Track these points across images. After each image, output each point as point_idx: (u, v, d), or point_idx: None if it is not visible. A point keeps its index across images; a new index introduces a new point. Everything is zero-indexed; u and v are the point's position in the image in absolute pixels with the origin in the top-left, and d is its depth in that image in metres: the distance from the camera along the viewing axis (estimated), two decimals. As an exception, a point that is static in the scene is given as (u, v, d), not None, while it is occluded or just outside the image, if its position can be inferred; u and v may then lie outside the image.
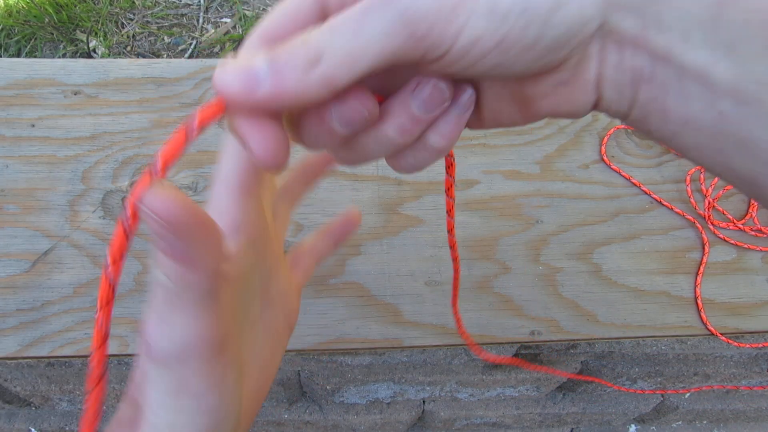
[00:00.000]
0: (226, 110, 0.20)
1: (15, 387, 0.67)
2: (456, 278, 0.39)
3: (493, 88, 0.23)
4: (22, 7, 1.43)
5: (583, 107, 0.23)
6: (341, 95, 0.20)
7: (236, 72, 0.19)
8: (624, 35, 0.21)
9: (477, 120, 0.25)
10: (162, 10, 1.50)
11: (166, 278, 0.21)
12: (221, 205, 0.26)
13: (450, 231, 0.34)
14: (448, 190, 0.30)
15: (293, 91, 0.19)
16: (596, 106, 0.24)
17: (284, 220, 0.35)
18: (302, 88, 0.19)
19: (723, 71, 0.20)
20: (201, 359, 0.22)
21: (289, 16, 0.21)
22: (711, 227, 0.60)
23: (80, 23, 1.45)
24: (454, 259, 0.37)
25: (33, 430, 0.78)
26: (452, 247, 0.35)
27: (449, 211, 0.32)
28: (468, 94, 0.23)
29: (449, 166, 0.28)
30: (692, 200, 0.61)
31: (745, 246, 0.59)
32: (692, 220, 0.60)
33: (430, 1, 0.18)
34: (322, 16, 0.21)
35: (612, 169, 0.62)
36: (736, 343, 0.59)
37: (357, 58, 0.18)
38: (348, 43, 0.18)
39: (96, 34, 1.45)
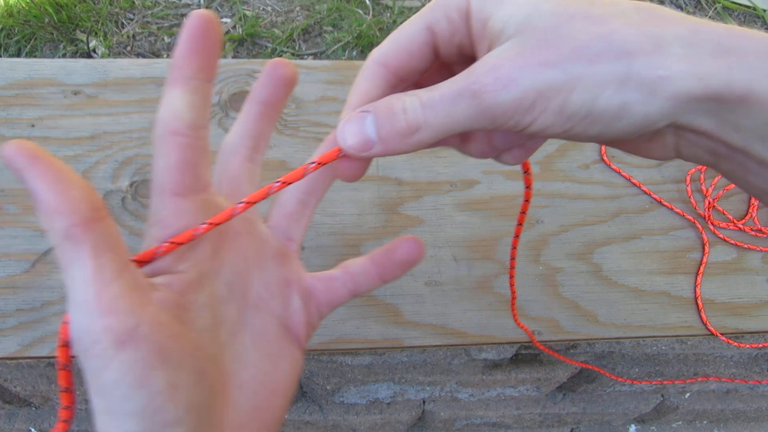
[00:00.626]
0: (340, 156, 0.27)
1: (15, 387, 0.67)
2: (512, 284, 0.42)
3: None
4: (22, 7, 1.43)
5: (665, 158, 0.27)
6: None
7: (354, 136, 0.25)
8: (698, 129, 0.23)
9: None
10: (162, 10, 1.50)
11: (52, 236, 0.22)
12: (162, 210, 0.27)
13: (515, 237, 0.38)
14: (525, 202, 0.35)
15: (393, 151, 0.25)
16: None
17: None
18: (401, 148, 0.25)
19: None
20: (104, 329, 0.22)
21: (403, 47, 0.26)
22: (711, 227, 0.60)
23: (80, 23, 1.45)
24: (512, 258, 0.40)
25: (33, 430, 0.78)
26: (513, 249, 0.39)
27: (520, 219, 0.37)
28: (539, 139, 0.27)
29: (525, 172, 0.32)
30: (692, 200, 0.61)
31: (745, 246, 0.59)
32: (692, 220, 0.60)
33: (510, 99, 0.22)
34: (432, 45, 0.26)
35: (612, 169, 0.62)
36: (736, 344, 0.59)
37: (445, 132, 0.24)
38: (440, 122, 0.23)
39: (96, 34, 1.45)
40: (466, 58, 0.26)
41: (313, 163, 0.27)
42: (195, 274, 0.27)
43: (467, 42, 0.25)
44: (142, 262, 0.26)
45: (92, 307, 0.22)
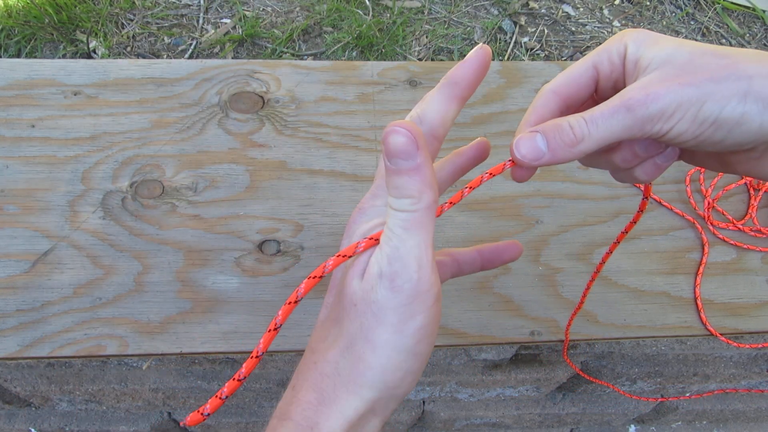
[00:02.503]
0: (507, 167, 0.33)
1: (15, 387, 0.67)
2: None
3: (700, 150, 0.33)
4: (22, 7, 1.43)
5: None
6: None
7: (526, 148, 0.31)
8: None
9: (689, 161, 0.36)
10: (162, 10, 1.50)
11: (407, 202, 0.29)
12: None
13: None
14: (639, 213, 0.40)
15: (559, 160, 0.31)
16: None
17: None
18: (566, 157, 0.31)
19: None
20: (428, 288, 0.29)
21: (572, 78, 0.33)
22: (711, 228, 0.60)
23: (80, 24, 1.45)
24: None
25: (33, 430, 0.78)
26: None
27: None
28: (670, 152, 0.33)
29: (645, 196, 0.38)
30: (692, 201, 0.61)
31: (745, 246, 0.59)
32: (692, 220, 0.60)
33: (657, 109, 0.28)
34: (595, 80, 0.33)
35: (612, 169, 0.62)
36: (735, 344, 0.59)
37: (604, 141, 0.30)
38: (600, 133, 0.29)
39: (96, 34, 1.45)
40: (616, 92, 0.32)
41: (487, 173, 0.33)
42: None
43: (621, 79, 0.32)
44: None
45: (430, 265, 0.29)
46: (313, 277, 0.31)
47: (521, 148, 0.31)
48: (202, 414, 0.30)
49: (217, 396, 0.31)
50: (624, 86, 0.32)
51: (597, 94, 0.34)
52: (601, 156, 0.34)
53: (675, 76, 0.28)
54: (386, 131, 0.28)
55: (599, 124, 0.29)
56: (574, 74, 0.33)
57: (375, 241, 0.31)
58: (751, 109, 0.27)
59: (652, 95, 0.28)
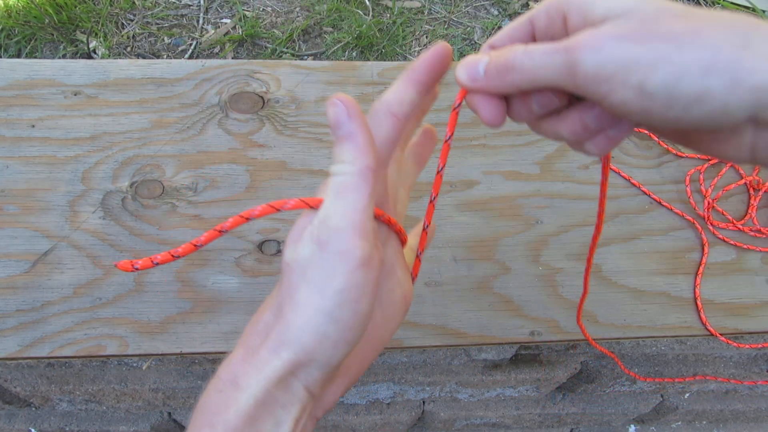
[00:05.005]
0: (464, 93, 0.31)
1: (15, 387, 0.67)
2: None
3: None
4: (22, 7, 1.43)
5: (739, 160, 0.28)
6: (541, 91, 0.29)
7: (465, 69, 0.30)
8: None
9: (650, 129, 0.32)
10: (162, 10, 1.50)
11: (340, 167, 0.29)
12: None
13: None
14: (602, 185, 0.37)
15: (495, 86, 0.29)
16: (754, 161, 0.28)
17: (406, 191, 0.38)
18: (500, 85, 0.29)
19: None
20: (360, 247, 0.28)
21: (507, 34, 0.31)
22: (711, 228, 0.60)
23: (80, 24, 1.45)
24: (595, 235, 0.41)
25: (33, 430, 0.78)
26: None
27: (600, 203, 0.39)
28: (624, 125, 0.29)
29: (604, 166, 0.35)
30: (692, 201, 0.61)
31: (745, 246, 0.59)
32: (692, 220, 0.60)
33: (594, 63, 0.25)
34: (531, 35, 0.30)
35: (612, 169, 0.62)
36: (735, 344, 0.59)
37: (537, 79, 0.27)
38: (530, 67, 0.27)
39: (96, 34, 1.45)
40: None
41: (452, 110, 0.32)
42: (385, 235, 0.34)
43: (561, 34, 0.28)
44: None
45: (357, 227, 0.28)
46: (242, 216, 0.31)
47: (461, 68, 0.30)
48: (133, 266, 0.30)
49: (150, 259, 0.30)
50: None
51: None
52: (549, 123, 0.31)
53: (630, 30, 0.24)
54: (326, 104, 0.29)
55: (535, 57, 0.27)
56: (510, 30, 0.31)
57: (304, 203, 0.31)
58: (714, 84, 0.23)
59: (593, 44, 0.25)
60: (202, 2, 1.54)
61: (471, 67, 0.30)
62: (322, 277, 0.28)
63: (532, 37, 0.30)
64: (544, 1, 0.29)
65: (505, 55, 0.28)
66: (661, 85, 0.23)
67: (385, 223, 0.33)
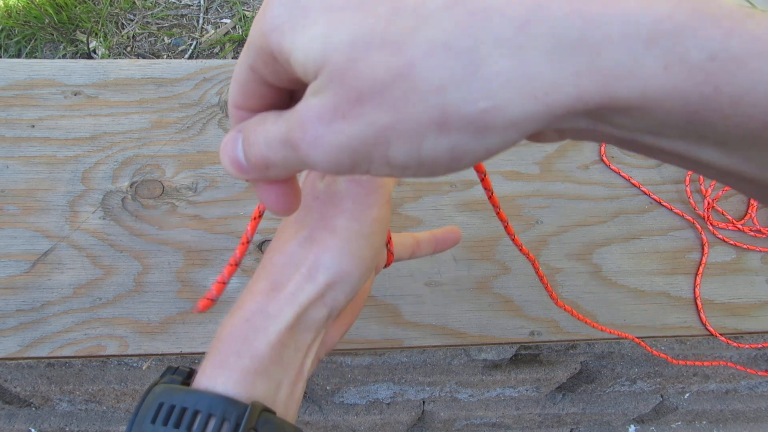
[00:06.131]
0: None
1: (15, 387, 0.67)
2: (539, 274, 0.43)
3: None
4: (22, 7, 1.43)
5: (559, 141, 0.26)
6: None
7: (228, 158, 0.24)
8: (569, 131, 0.20)
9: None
10: (162, 10, 1.50)
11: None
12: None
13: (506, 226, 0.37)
14: (490, 197, 0.34)
15: (264, 178, 0.24)
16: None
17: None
18: (267, 178, 0.23)
19: None
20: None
21: (239, 88, 0.23)
22: (710, 228, 0.60)
23: (80, 24, 1.45)
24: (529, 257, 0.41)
25: (33, 430, 0.78)
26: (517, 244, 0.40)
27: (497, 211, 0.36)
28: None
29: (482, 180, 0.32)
30: (692, 201, 0.61)
31: (745, 246, 0.59)
32: (692, 220, 0.60)
33: (325, 159, 0.19)
34: (264, 83, 0.23)
35: (612, 169, 0.62)
36: (735, 344, 0.59)
37: (288, 170, 0.22)
38: (280, 161, 0.21)
39: (96, 34, 1.45)
40: None
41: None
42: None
43: (287, 74, 0.21)
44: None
45: None
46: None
47: (224, 155, 0.24)
48: (210, 299, 0.33)
49: (218, 281, 0.33)
50: None
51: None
52: None
53: (335, 99, 0.18)
54: None
55: (274, 151, 0.21)
56: (239, 80, 0.23)
57: None
58: (459, 140, 0.18)
59: (311, 137, 0.19)
60: (202, 2, 1.54)
61: (231, 154, 0.23)
62: (360, 206, 0.30)
63: (265, 83, 0.23)
64: (250, 46, 0.21)
65: (254, 145, 0.22)
66: (406, 158, 0.18)
67: None
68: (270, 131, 0.21)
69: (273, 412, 0.28)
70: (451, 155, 0.18)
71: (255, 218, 0.32)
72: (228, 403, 0.27)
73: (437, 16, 0.17)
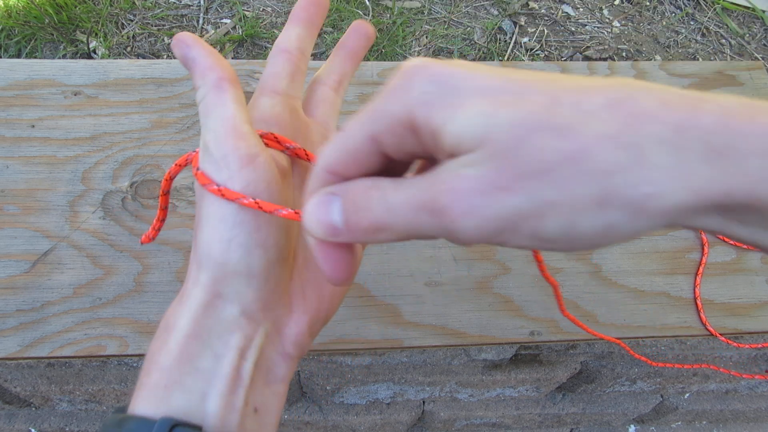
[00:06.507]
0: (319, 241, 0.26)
1: (15, 387, 0.67)
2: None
3: None
4: (22, 7, 1.43)
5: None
6: None
7: (317, 222, 0.24)
8: (699, 228, 0.22)
9: None
10: (162, 11, 1.50)
11: (198, 91, 0.30)
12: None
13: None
14: None
15: (360, 242, 0.26)
16: None
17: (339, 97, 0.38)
18: (367, 242, 0.24)
19: None
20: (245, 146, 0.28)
21: (346, 154, 0.24)
22: (710, 228, 0.60)
23: (80, 24, 1.45)
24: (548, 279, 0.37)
25: (33, 430, 0.78)
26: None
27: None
28: None
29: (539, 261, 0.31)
30: (692, 201, 0.61)
31: (745, 246, 0.59)
32: (692, 220, 0.60)
33: (473, 227, 0.20)
34: (381, 154, 0.24)
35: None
36: (735, 344, 0.59)
37: (406, 234, 0.22)
38: (402, 229, 0.22)
39: (96, 34, 1.45)
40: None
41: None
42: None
43: (421, 150, 0.23)
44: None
45: (229, 132, 0.28)
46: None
47: (311, 220, 0.24)
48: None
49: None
50: (434, 156, 0.23)
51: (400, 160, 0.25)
52: None
53: (496, 174, 0.19)
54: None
55: (401, 218, 0.22)
56: (349, 147, 0.24)
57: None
58: (615, 219, 0.19)
59: (463, 205, 0.20)
60: (202, 2, 1.54)
61: (324, 218, 0.23)
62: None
63: (385, 157, 0.24)
64: (382, 116, 0.22)
65: (364, 210, 0.23)
66: (557, 232, 0.20)
67: (272, 145, 0.32)
68: (396, 197, 0.22)
69: (194, 426, 0.27)
70: (603, 232, 0.20)
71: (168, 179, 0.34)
72: (140, 423, 0.26)
73: (602, 113, 0.19)
